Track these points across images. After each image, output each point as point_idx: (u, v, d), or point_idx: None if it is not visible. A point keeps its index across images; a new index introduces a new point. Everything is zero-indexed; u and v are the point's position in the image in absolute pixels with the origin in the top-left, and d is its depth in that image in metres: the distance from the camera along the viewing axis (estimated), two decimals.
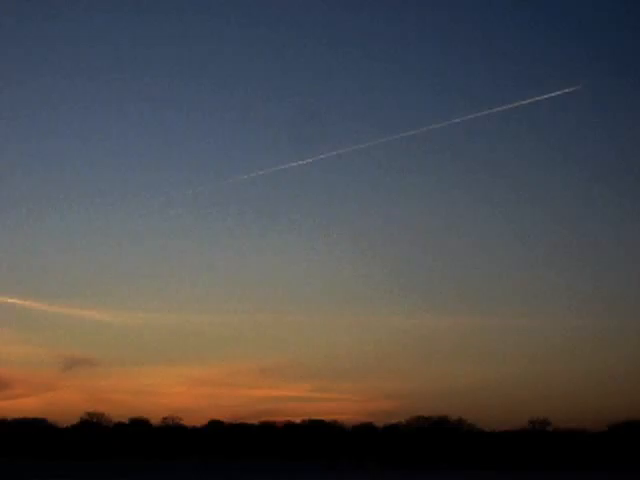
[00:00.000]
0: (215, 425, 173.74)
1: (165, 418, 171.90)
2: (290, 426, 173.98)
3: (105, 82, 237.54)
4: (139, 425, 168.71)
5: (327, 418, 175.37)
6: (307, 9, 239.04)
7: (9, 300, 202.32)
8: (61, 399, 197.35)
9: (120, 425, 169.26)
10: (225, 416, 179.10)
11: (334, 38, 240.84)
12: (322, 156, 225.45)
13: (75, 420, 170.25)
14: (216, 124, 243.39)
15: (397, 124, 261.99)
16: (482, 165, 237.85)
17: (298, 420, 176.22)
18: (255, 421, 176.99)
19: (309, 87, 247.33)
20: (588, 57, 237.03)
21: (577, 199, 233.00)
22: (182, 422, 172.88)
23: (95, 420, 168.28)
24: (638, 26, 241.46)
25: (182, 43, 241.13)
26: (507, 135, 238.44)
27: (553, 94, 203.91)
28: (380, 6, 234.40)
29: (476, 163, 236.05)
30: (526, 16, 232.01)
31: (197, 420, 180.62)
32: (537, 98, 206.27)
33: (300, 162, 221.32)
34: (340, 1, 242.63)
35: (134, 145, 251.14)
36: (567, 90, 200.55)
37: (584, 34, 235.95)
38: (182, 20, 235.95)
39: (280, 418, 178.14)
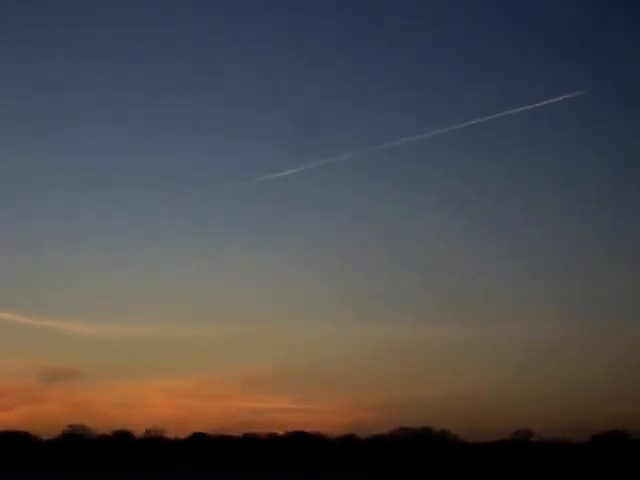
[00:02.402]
0: (198, 437, 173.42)
1: (148, 430, 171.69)
2: (273, 438, 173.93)
3: (98, 95, 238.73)
4: (122, 437, 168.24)
5: (310, 430, 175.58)
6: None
7: None
8: (43, 411, 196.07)
9: (103, 437, 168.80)
10: (208, 428, 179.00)
11: (312, 50, 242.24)
12: (302, 168, 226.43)
13: (58, 432, 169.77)
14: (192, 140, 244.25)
15: (380, 135, 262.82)
16: (465, 175, 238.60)
17: (281, 432, 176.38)
18: (238, 433, 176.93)
19: (283, 101, 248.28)
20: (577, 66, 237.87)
21: (562, 207, 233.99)
22: (165, 434, 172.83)
23: (78, 432, 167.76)
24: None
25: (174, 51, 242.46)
26: (491, 146, 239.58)
27: (543, 103, 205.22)
28: (365, 16, 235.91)
29: (459, 174, 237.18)
30: (510, 22, 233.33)
31: (180, 432, 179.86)
32: (525, 107, 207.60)
33: (284, 173, 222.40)
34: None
35: (117, 158, 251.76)
36: (555, 100, 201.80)
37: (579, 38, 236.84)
38: (174, 29, 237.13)
39: (263, 430, 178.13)
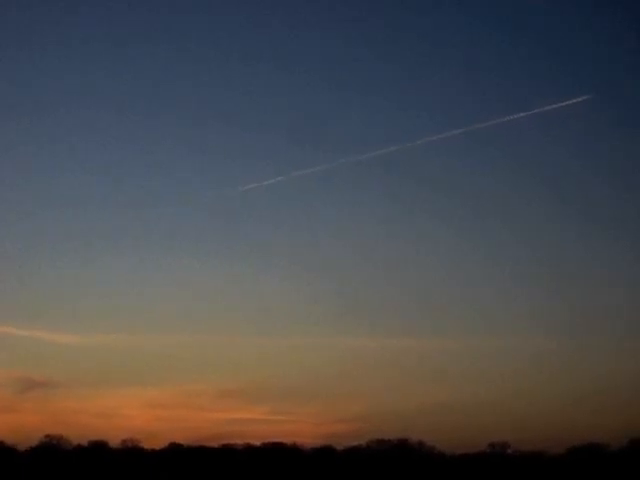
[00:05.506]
0: (175, 448, 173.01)
1: (124, 440, 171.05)
2: (250, 448, 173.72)
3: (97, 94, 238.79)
4: (98, 447, 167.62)
5: (287, 440, 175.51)
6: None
7: None
8: (20, 421, 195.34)
9: (79, 447, 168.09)
10: (185, 438, 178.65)
11: (294, 62, 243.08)
12: (282, 179, 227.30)
13: (34, 442, 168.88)
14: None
15: (362, 146, 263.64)
16: (443, 183, 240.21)
17: (258, 443, 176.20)
18: (215, 444, 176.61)
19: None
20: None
21: (544, 218, 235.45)
22: (141, 445, 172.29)
23: (54, 442, 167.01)
24: None
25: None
26: (468, 154, 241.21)
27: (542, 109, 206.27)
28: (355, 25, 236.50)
29: (438, 183, 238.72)
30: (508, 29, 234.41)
31: (156, 442, 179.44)
32: (507, 118, 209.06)
33: (262, 183, 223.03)
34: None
35: (101, 162, 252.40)
36: (534, 111, 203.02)
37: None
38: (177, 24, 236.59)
39: (240, 440, 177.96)
